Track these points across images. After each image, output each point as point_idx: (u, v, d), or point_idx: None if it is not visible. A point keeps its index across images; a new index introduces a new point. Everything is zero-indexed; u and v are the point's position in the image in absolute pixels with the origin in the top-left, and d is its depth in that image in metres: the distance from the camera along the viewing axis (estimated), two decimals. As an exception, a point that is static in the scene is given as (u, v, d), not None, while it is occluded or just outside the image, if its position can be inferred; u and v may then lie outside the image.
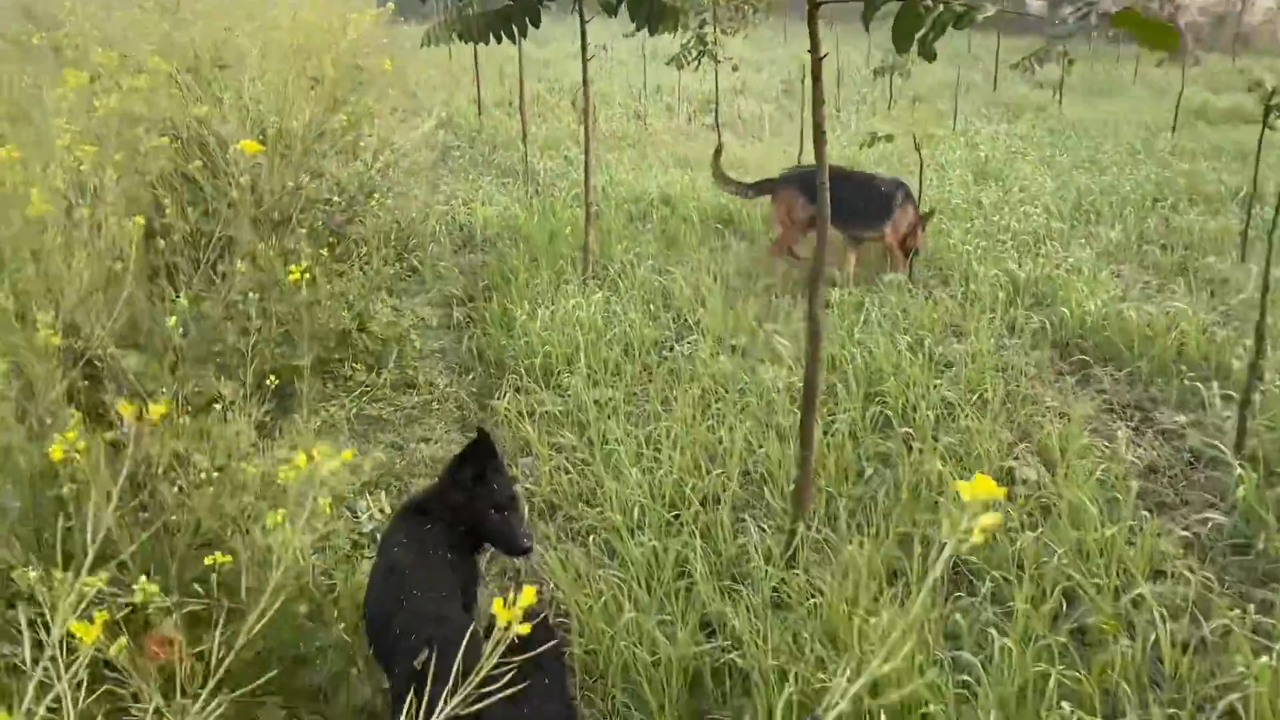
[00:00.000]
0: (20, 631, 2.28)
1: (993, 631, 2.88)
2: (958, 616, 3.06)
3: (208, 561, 2.06)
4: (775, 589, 3.25)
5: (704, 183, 8.75)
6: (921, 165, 6.68)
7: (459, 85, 14.17)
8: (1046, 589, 3.13)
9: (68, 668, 1.44)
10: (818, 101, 3.15)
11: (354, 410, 4.70)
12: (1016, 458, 4.13)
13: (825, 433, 4.18)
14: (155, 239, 4.41)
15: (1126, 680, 2.79)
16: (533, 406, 4.65)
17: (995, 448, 4.11)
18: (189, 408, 3.39)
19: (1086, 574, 3.23)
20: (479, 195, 8.58)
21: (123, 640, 1.66)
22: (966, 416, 4.32)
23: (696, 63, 9.25)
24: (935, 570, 0.96)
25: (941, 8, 2.66)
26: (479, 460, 2.70)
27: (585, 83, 6.16)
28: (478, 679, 1.36)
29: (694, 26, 9.00)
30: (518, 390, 4.88)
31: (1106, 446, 4.23)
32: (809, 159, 8.91)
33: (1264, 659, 2.65)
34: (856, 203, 6.25)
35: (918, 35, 2.74)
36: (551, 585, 3.43)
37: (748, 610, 3.09)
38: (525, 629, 1.24)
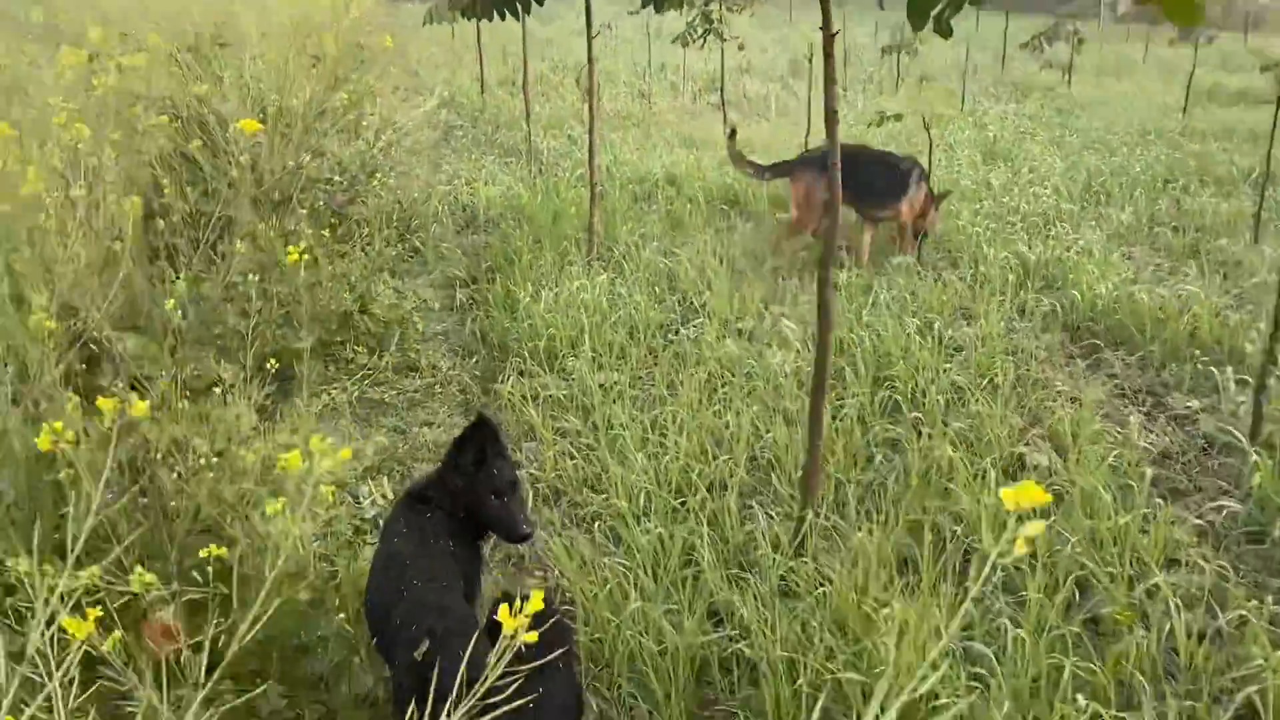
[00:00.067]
0: (15, 626, 2.24)
1: (1006, 622, 2.83)
2: (969, 606, 3.01)
3: (203, 554, 2.01)
4: (783, 577, 3.20)
5: (709, 163, 8.67)
6: (931, 145, 6.59)
7: (461, 63, 14.06)
8: (1059, 578, 3.08)
9: (59, 665, 1.39)
10: (829, 80, 3.08)
11: (356, 394, 4.64)
12: (1027, 443, 4.07)
13: (833, 417, 4.13)
14: (154, 219, 4.35)
15: (1141, 671, 2.74)
16: (536, 390, 4.60)
17: (1006, 433, 4.06)
18: (188, 391, 3.34)
19: (1100, 563, 3.18)
20: (482, 175, 8.51)
21: (117, 634, 1.61)
22: (976, 401, 4.26)
23: (702, 41, 9.16)
24: (967, 599, 0.90)
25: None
26: (479, 444, 2.65)
27: (590, 61, 6.08)
28: (483, 689, 1.31)
29: (699, 4, 8.90)
30: (521, 374, 4.82)
31: (1119, 432, 4.18)
32: (815, 139, 8.83)
33: (1282, 651, 2.61)
34: (874, 181, 6.22)
35: (934, 12, 2.67)
36: (556, 573, 3.39)
37: (755, 599, 3.04)
38: (532, 637, 1.18)
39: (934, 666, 2.50)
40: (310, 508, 1.77)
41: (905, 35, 12.97)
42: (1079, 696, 2.59)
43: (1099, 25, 20.20)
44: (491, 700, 1.33)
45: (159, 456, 2.99)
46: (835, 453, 3.92)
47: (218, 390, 3.34)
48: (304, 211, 5.03)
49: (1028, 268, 6.02)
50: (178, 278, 3.80)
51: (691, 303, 5.64)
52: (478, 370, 5.08)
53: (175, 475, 2.97)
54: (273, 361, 3.57)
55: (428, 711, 1.46)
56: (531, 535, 2.79)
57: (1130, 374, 4.89)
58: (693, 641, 2.92)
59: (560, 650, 1.96)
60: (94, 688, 1.72)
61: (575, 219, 6.76)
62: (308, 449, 1.48)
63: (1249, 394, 4.17)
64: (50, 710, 1.41)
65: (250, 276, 3.74)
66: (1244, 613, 2.91)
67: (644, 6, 4.34)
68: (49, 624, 1.41)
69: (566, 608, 3.17)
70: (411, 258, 6.52)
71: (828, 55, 3.04)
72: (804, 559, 3.23)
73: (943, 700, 2.57)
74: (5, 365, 3.04)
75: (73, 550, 1.39)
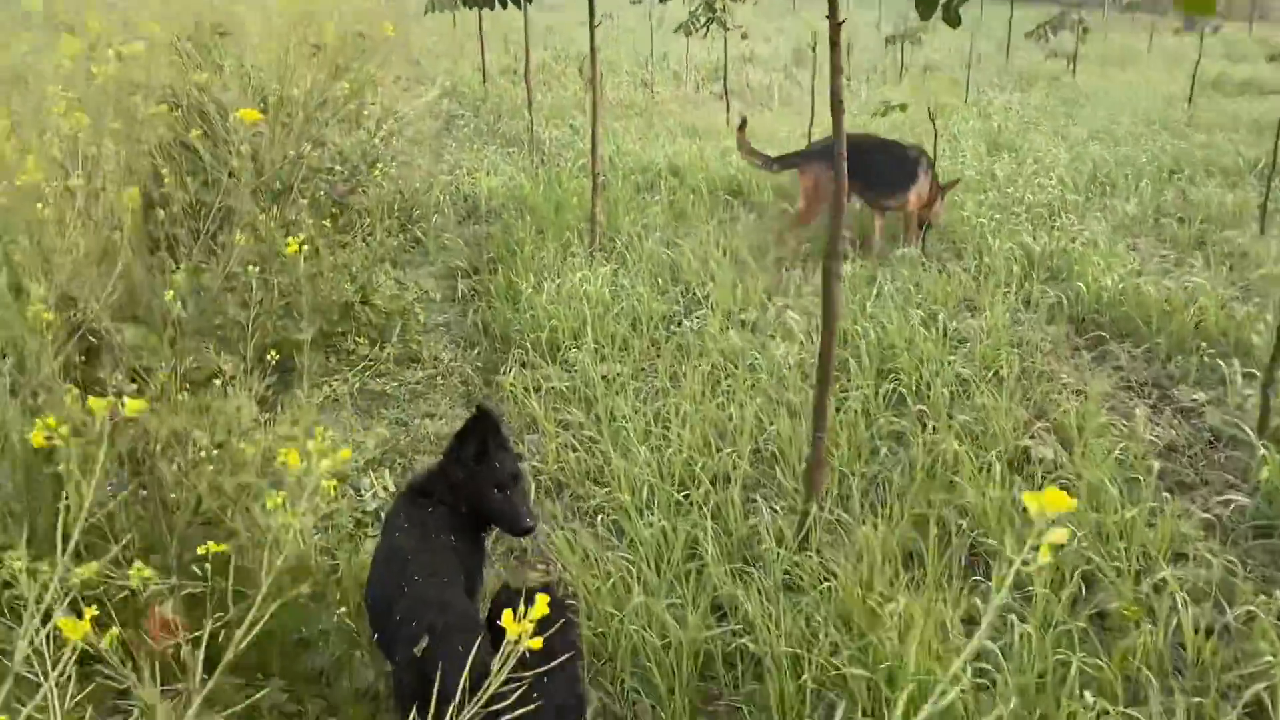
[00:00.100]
0: (12, 623, 2.22)
1: (1013, 617, 2.81)
2: (976, 600, 2.99)
3: (201, 551, 1.99)
4: (787, 572, 3.18)
5: (712, 153, 8.62)
6: (936, 135, 6.54)
7: (463, 53, 14.00)
8: (1066, 573, 3.06)
9: (55, 664, 1.37)
10: (835, 69, 3.04)
11: (357, 385, 4.62)
12: (1033, 436, 4.04)
13: (837, 410, 4.10)
14: (154, 209, 4.32)
15: (1148, 667, 2.72)
16: (539, 382, 4.57)
17: (1011, 426, 4.03)
18: (188, 383, 3.32)
19: (1106, 557, 3.16)
20: (484, 165, 8.46)
21: (115, 631, 1.58)
22: (981, 394, 4.23)
23: (705, 30, 9.10)
24: (990, 613, 0.87)
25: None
26: (480, 437, 2.62)
27: (593, 50, 6.03)
28: (486, 695, 1.28)
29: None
30: (524, 365, 4.80)
31: (1125, 425, 4.15)
32: (819, 129, 8.78)
33: (1291, 647, 2.59)
34: (884, 170, 6.24)
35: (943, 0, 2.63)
36: (559, 566, 3.36)
37: (759, 594, 3.02)
38: (537, 644, 1.16)
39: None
40: (311, 501, 1.74)
41: (910, 24, 12.91)
42: (1086, 693, 2.58)
43: (1103, 14, 20.10)
44: (496, 707, 1.31)
45: (159, 449, 2.97)
46: (840, 445, 3.90)
47: (218, 382, 3.31)
48: (305, 201, 5.00)
49: (1033, 259, 5.98)
50: (178, 268, 3.77)
51: (694, 294, 5.61)
52: (480, 362, 5.05)
53: (175, 467, 2.95)
54: (273, 353, 3.54)
55: (431, 713, 1.44)
56: (535, 529, 2.76)
57: (1136, 366, 4.85)
58: (696, 636, 2.90)
59: (565, 654, 1.93)
60: (91, 686, 1.69)
61: (577, 209, 6.72)
62: (307, 449, 1.45)
63: (1256, 387, 4.14)
64: (46, 711, 1.39)
65: (251, 267, 3.71)
66: (1252, 608, 2.88)
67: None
68: (44, 621, 1.38)
69: (569, 601, 3.14)
70: (413, 248, 6.48)
71: (834, 44, 3.01)
72: (808, 553, 3.21)
73: (949, 697, 2.55)
74: (4, 357, 3.02)
75: (64, 548, 1.36)
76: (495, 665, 1.23)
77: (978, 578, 3.17)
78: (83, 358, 3.39)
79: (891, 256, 6.03)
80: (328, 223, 5.15)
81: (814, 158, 6.40)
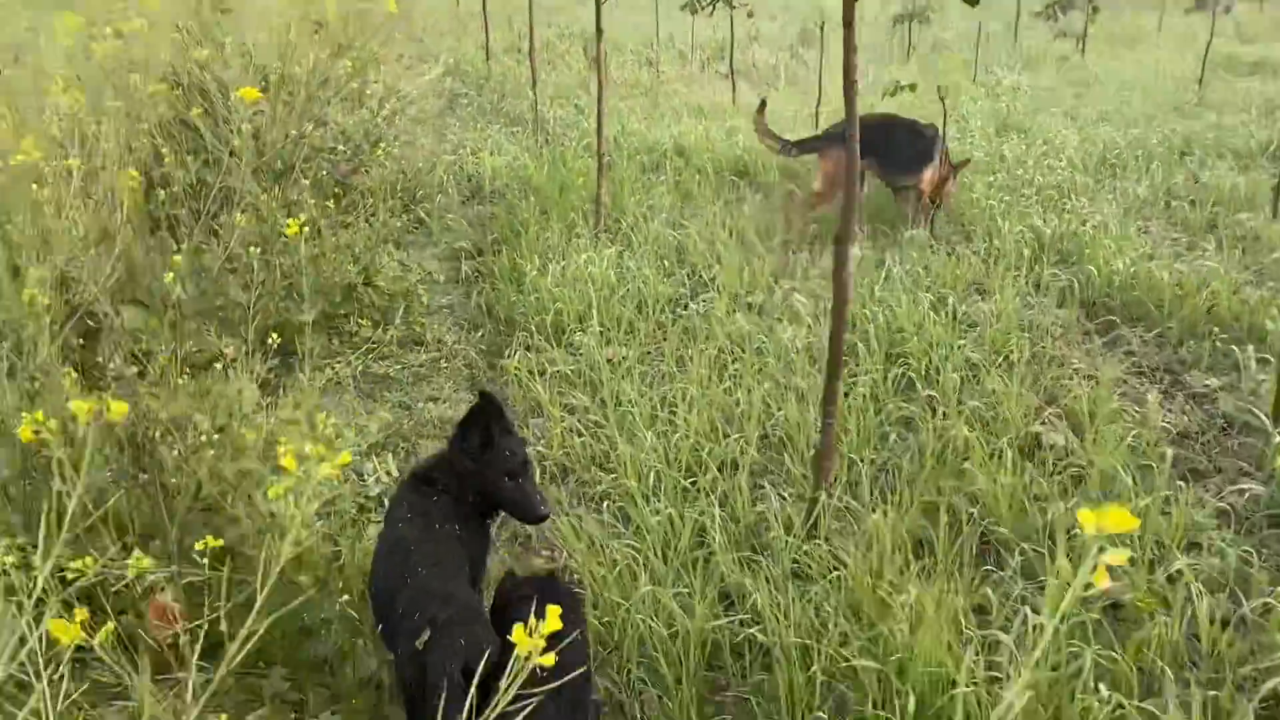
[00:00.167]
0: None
1: (1026, 609, 2.77)
2: (987, 590, 2.95)
3: (199, 547, 1.95)
4: (796, 560, 3.14)
5: (718, 133, 8.53)
6: (945, 116, 6.45)
7: (466, 31, 13.86)
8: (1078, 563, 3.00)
9: (48, 663, 1.32)
10: (849, 49, 2.97)
11: (360, 368, 4.58)
12: (1044, 422, 3.98)
13: (846, 395, 4.04)
14: (154, 189, 4.26)
15: (1163, 659, 2.68)
16: (544, 365, 4.52)
17: (1021, 412, 3.97)
18: (188, 366, 3.27)
19: (1120, 546, 3.10)
20: (487, 145, 8.38)
21: (111, 626, 1.54)
22: (991, 379, 4.18)
23: (710, 8, 8.99)
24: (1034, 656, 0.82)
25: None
26: (484, 425, 2.57)
27: (598, 29, 5.96)
28: (493, 714, 1.23)
29: (709, -30, 8.73)
30: (528, 348, 4.74)
31: (1136, 411, 4.09)
32: (826, 109, 8.69)
33: (1310, 641, 2.54)
34: (902, 150, 6.21)
35: (960, -24, 2.56)
36: (565, 553, 3.33)
37: (768, 582, 2.98)
38: (549, 660, 1.11)
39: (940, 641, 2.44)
40: (314, 489, 1.69)
41: (917, 3, 12.76)
42: (1100, 686, 2.53)
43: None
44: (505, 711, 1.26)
45: (159, 433, 2.92)
46: (848, 431, 3.85)
47: (219, 365, 3.27)
48: (307, 181, 4.94)
49: (1043, 242, 5.91)
50: (178, 249, 3.72)
51: (701, 276, 5.55)
52: (484, 344, 5.01)
53: (175, 453, 2.90)
54: (275, 335, 3.49)
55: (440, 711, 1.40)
56: (549, 515, 2.72)
57: (1147, 351, 4.79)
58: (704, 625, 2.86)
59: (575, 669, 1.89)
60: (84, 686, 1.65)
61: (582, 190, 6.65)
62: (304, 452, 1.39)
63: (1270, 372, 4.08)
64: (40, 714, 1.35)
65: (252, 248, 3.65)
66: (1269, 600, 2.84)
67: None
68: (37, 621, 1.34)
69: (577, 590, 3.10)
70: (416, 229, 6.42)
71: (848, 24, 2.94)
72: (817, 541, 3.17)
73: (963, 689, 2.51)
74: (1, 340, 2.98)
75: (44, 542, 1.31)
76: (504, 682, 1.18)
77: (989, 567, 3.12)
78: (81, 340, 3.35)
79: (900, 239, 5.96)
80: (330, 203, 5.09)
81: (834, 142, 6.31)
